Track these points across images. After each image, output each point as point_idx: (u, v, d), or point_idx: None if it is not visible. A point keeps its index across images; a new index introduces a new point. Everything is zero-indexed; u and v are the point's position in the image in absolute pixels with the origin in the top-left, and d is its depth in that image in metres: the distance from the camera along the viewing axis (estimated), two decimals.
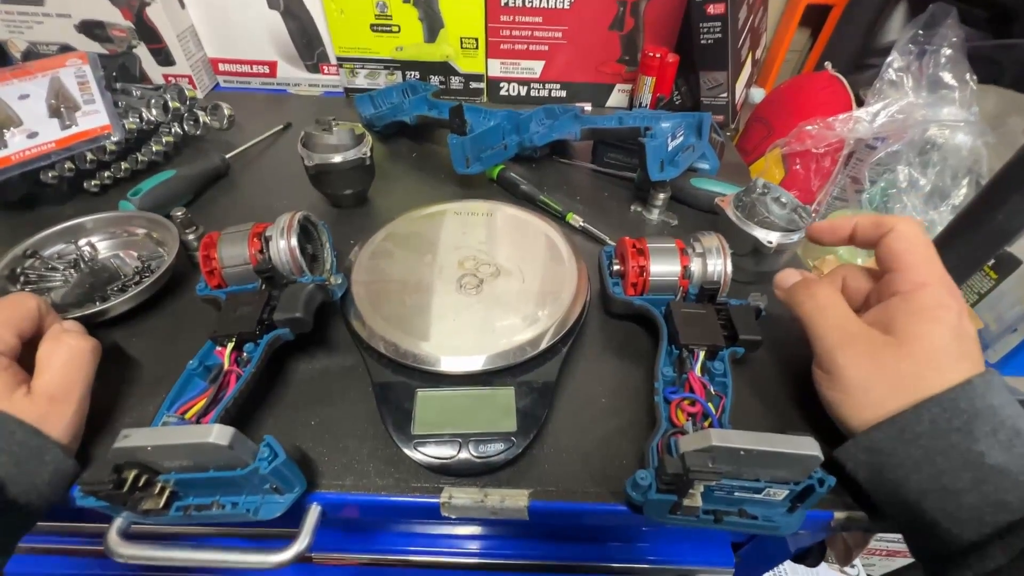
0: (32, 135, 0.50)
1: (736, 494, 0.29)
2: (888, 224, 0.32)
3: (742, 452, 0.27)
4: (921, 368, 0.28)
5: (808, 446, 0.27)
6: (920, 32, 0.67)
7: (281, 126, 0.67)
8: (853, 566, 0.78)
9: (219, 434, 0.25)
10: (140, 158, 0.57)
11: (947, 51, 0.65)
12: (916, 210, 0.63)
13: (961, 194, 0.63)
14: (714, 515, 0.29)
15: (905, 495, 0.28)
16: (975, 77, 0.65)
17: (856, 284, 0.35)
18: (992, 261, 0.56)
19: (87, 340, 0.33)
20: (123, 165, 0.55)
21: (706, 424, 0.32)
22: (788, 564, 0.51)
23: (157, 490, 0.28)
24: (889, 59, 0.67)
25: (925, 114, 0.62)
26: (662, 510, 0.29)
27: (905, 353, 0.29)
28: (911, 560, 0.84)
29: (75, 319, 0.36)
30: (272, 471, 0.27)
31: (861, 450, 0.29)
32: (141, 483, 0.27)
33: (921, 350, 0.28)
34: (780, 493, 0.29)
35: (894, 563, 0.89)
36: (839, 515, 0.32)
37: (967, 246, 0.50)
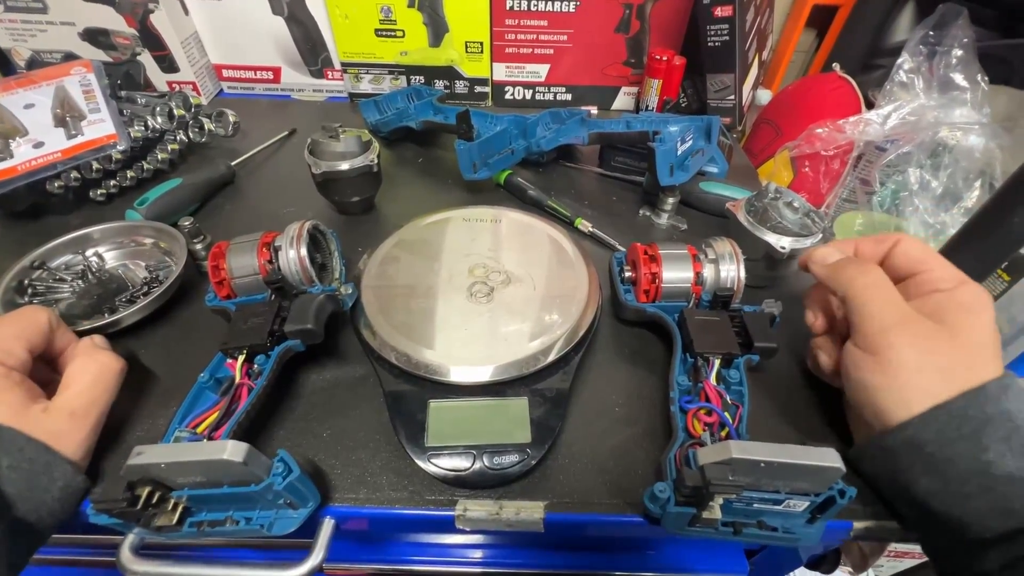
0: (38, 145, 0.50)
1: (755, 505, 0.28)
2: (891, 237, 0.34)
3: (762, 464, 0.27)
4: (972, 359, 0.28)
5: (830, 458, 0.27)
6: (930, 32, 0.66)
7: (286, 132, 0.67)
8: None
9: (233, 450, 0.25)
10: (146, 166, 0.56)
11: (958, 52, 0.64)
12: (927, 212, 0.62)
13: (974, 196, 0.62)
14: (733, 527, 0.29)
15: (913, 496, 0.28)
16: (987, 78, 0.65)
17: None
18: (1005, 263, 0.55)
19: (117, 360, 0.33)
20: (129, 174, 0.55)
21: (723, 434, 0.32)
22: (801, 569, 0.51)
23: (170, 506, 0.27)
24: (900, 60, 0.66)
25: (937, 116, 0.61)
26: (681, 522, 0.29)
27: (959, 343, 0.29)
28: (919, 562, 0.84)
29: (85, 331, 0.36)
30: (287, 487, 0.27)
31: (876, 450, 0.30)
32: (154, 500, 0.26)
33: (971, 342, 0.29)
34: (800, 504, 0.28)
35: (902, 564, 0.89)
36: (858, 525, 0.32)
37: (980, 249, 0.49)
